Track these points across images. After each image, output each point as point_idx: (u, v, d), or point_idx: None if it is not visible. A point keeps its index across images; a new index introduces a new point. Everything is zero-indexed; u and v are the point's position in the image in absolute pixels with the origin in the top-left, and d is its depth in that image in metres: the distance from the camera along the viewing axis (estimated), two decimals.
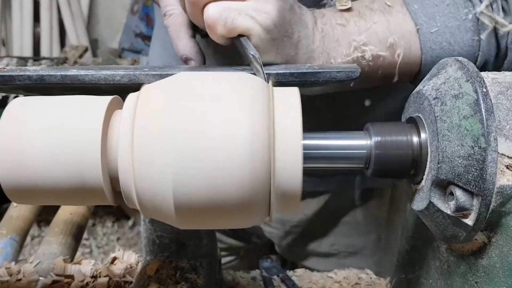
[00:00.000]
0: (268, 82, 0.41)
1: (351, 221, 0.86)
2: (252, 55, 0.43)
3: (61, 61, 1.95)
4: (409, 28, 0.53)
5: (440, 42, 0.53)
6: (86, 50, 2.16)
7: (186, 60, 0.51)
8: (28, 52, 2.45)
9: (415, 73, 0.55)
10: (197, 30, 0.52)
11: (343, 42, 0.51)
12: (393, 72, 0.54)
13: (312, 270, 0.70)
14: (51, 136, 0.37)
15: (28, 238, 2.04)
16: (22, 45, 2.46)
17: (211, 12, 0.44)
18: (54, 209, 0.77)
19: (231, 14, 0.44)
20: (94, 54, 2.49)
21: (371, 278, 0.67)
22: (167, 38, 0.53)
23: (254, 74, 0.43)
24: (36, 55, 2.44)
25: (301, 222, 0.86)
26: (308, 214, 0.85)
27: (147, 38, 2.43)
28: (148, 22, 2.46)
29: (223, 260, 0.99)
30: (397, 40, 0.52)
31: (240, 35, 0.45)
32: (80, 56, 2.04)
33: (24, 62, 1.91)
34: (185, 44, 0.51)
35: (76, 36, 2.50)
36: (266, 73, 0.43)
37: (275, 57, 0.47)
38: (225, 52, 0.55)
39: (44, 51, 2.46)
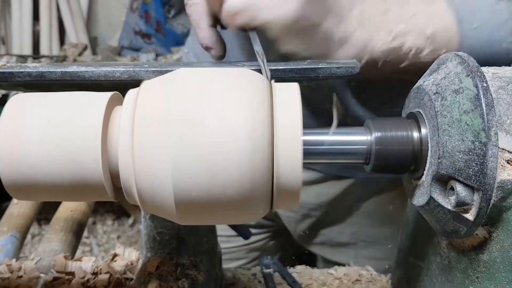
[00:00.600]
0: (269, 79, 0.41)
1: (373, 210, 0.84)
2: (257, 51, 0.43)
3: (61, 59, 1.95)
4: (450, 22, 0.52)
5: (480, 39, 0.52)
6: (85, 48, 2.16)
7: (206, 48, 0.52)
8: (27, 50, 2.45)
9: None
10: (218, 20, 0.52)
11: (382, 30, 0.50)
12: (426, 65, 0.53)
13: (328, 260, 0.70)
14: (52, 132, 0.37)
15: (29, 237, 2.05)
16: (21, 43, 2.46)
17: (232, 1, 0.44)
18: (54, 207, 0.77)
19: (252, 6, 0.44)
20: (94, 52, 2.50)
21: (371, 274, 0.67)
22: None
23: (259, 70, 0.43)
24: (36, 53, 2.44)
25: (321, 206, 0.85)
26: (330, 198, 0.84)
27: (146, 36, 2.43)
28: (147, 19, 2.46)
29: (256, 237, 0.99)
30: (436, 32, 0.51)
31: (254, 28, 0.45)
32: (80, 54, 2.04)
33: (24, 60, 1.91)
34: (205, 33, 0.51)
35: (76, 34, 2.50)
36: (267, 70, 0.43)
37: (302, 47, 0.47)
38: (247, 43, 0.55)
39: (44, 49, 2.46)
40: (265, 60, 0.43)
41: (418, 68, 0.53)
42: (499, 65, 0.51)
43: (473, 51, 0.52)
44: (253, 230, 0.95)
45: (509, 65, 0.54)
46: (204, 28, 0.51)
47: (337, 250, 0.90)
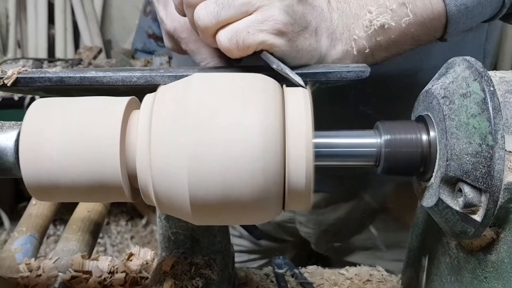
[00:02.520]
0: (303, 85, 0.42)
1: (388, 218, 0.86)
2: (275, 68, 0.44)
3: (76, 62, 1.98)
4: None
5: None
6: (100, 51, 2.18)
7: None
8: (43, 53, 2.48)
9: (443, 26, 0.54)
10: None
11: (361, 14, 0.51)
12: (421, 31, 0.53)
13: (350, 264, 0.71)
14: (72, 135, 0.39)
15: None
16: (37, 46, 2.49)
17: (222, 39, 0.45)
18: (70, 208, 0.79)
19: (240, 35, 0.44)
20: (108, 55, 2.52)
21: (382, 275, 0.68)
22: None
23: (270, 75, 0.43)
24: (51, 56, 2.47)
25: (337, 221, 0.88)
26: (343, 213, 0.87)
27: (159, 39, 2.45)
28: None
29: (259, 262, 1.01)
30: None
31: (261, 50, 0.46)
32: (95, 58, 2.07)
33: (40, 63, 1.94)
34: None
35: (90, 37, 2.53)
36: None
37: (300, 53, 0.47)
38: None
39: (59, 53, 2.49)
40: (288, 71, 0.44)
41: (415, 35, 0.53)
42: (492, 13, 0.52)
43: (460, 2, 0.52)
44: (274, 245, 0.97)
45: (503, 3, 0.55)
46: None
47: (357, 254, 0.92)
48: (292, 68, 0.46)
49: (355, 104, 0.70)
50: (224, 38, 0.44)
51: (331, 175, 0.79)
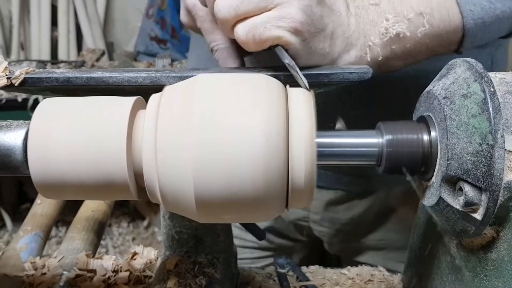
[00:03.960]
0: (307, 88, 0.43)
1: (400, 218, 0.86)
2: (287, 63, 0.45)
3: (79, 64, 1.99)
4: None
5: (480, 2, 0.52)
6: (103, 53, 2.19)
7: None
8: (46, 55, 2.49)
9: (459, 40, 0.54)
10: (243, 55, 0.53)
11: (378, 21, 0.51)
12: (436, 43, 0.53)
13: (360, 264, 0.72)
14: (79, 134, 0.39)
15: None
16: (40, 48, 2.50)
17: (240, 32, 0.46)
18: (73, 209, 0.80)
19: (258, 29, 0.45)
20: (110, 57, 2.53)
21: (383, 275, 0.68)
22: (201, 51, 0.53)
23: (274, 75, 0.44)
24: (54, 58, 2.49)
25: (352, 220, 0.88)
26: (358, 212, 0.87)
27: (162, 41, 2.46)
28: (163, 25, 2.49)
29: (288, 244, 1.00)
30: (433, 9, 0.51)
31: (276, 45, 0.46)
32: (97, 60, 2.08)
33: (43, 65, 1.95)
34: None
35: (93, 39, 2.54)
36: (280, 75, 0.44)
37: (311, 55, 0.48)
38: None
39: (62, 55, 2.50)
40: (298, 70, 0.44)
41: (430, 45, 0.53)
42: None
43: (478, 16, 0.52)
44: (287, 242, 0.97)
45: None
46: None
47: (367, 254, 0.92)
48: (301, 68, 0.47)
49: (359, 105, 0.71)
50: (241, 31, 0.46)
51: (348, 173, 0.79)
